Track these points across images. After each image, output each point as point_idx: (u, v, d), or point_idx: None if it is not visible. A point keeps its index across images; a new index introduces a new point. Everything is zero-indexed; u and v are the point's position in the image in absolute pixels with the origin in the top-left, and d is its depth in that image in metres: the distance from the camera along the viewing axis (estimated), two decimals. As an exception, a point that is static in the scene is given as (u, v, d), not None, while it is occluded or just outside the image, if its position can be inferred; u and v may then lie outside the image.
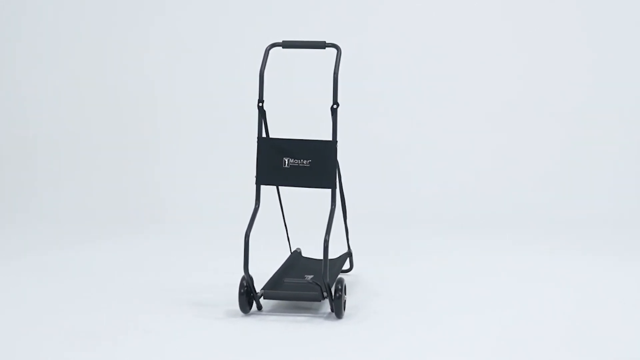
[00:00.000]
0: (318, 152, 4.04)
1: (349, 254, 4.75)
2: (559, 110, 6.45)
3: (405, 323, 3.99)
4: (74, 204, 6.34)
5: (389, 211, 6.21)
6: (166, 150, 6.64)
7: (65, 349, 3.64)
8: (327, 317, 4.06)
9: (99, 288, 4.51)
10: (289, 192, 5.31)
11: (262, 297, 4.11)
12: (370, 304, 4.27)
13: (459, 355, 3.60)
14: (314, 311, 4.16)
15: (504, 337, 3.81)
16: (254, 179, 4.61)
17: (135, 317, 4.04)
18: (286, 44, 4.20)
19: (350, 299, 4.33)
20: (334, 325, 3.95)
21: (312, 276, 4.40)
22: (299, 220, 5.32)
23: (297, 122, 6.24)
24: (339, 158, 4.81)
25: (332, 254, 4.92)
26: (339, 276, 4.11)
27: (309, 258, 4.78)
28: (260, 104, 4.15)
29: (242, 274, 4.56)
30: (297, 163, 4.06)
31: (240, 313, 4.09)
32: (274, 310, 4.16)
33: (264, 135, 4.21)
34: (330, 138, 5.26)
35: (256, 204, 4.14)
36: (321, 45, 4.18)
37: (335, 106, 4.07)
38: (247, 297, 4.07)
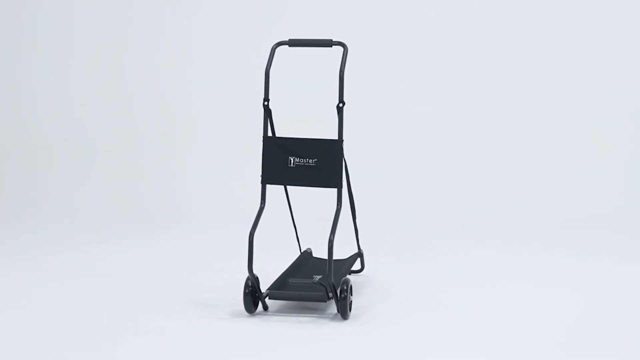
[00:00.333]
0: (324, 151, 4.00)
1: (359, 255, 4.71)
2: (559, 110, 6.41)
3: (411, 325, 3.95)
4: (85, 205, 6.34)
5: (401, 211, 6.17)
6: (176, 150, 6.63)
7: (66, 349, 3.63)
8: (333, 318, 4.03)
9: (104, 288, 4.49)
10: (300, 192, 5.29)
11: (267, 298, 4.07)
12: (378, 305, 4.24)
13: (461, 358, 3.56)
14: (320, 312, 4.12)
15: (510, 339, 3.77)
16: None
17: (138, 317, 4.02)
18: (292, 42, 4.17)
19: (359, 300, 4.29)
20: (339, 326, 3.91)
21: (320, 276, 4.36)
22: (311, 220, 5.29)
23: (304, 121, 6.21)
24: (347, 157, 4.79)
25: (344, 255, 4.88)
26: (345, 277, 4.06)
27: (319, 258, 4.74)
28: (266, 103, 4.11)
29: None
30: (302, 162, 4.02)
31: (246, 313, 4.06)
32: (280, 311, 4.13)
33: (269, 134, 4.17)
34: (337, 137, 5.23)
35: (262, 203, 4.11)
36: (328, 43, 4.15)
37: (341, 105, 4.03)
38: (252, 297, 4.03)
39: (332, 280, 3.92)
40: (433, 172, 6.39)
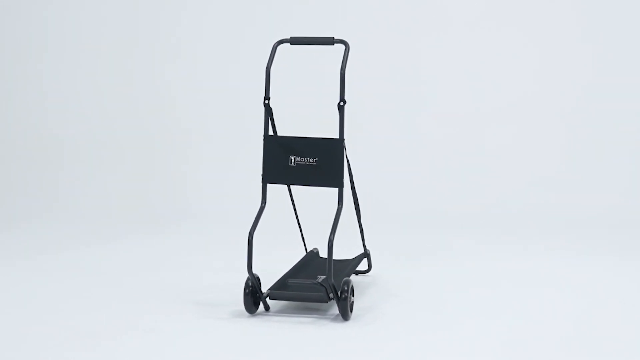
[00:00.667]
0: (325, 150, 3.96)
1: (365, 255, 4.66)
2: (560, 110, 6.36)
3: (412, 326, 3.91)
4: (90, 205, 6.33)
5: (407, 211, 6.14)
6: (180, 150, 6.62)
7: (65, 349, 3.62)
8: (334, 318, 3.99)
9: (106, 287, 4.48)
10: (306, 191, 5.26)
11: (267, 298, 4.04)
12: (383, 305, 4.20)
13: (460, 359, 3.52)
14: (322, 312, 4.08)
15: (511, 340, 3.73)
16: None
17: (139, 317, 4.00)
18: (294, 40, 4.13)
19: (363, 301, 4.25)
20: (339, 327, 3.87)
21: (324, 277, 4.32)
22: (318, 219, 5.25)
23: (308, 120, 6.18)
24: (352, 156, 4.75)
25: (351, 256, 4.84)
26: (346, 277, 4.02)
27: (325, 258, 4.69)
28: (267, 101, 4.08)
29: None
30: (303, 161, 3.99)
31: (246, 313, 4.03)
32: (281, 312, 4.10)
33: (270, 133, 4.13)
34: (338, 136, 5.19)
35: (262, 202, 4.08)
36: (329, 41, 4.11)
37: (342, 103, 3.99)
38: (253, 297, 4.00)
39: (332, 280, 3.88)
40: (436, 171, 6.36)
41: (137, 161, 6.58)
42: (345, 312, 3.93)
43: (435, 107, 6.46)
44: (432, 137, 6.43)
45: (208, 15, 6.63)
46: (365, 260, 4.73)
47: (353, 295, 4.01)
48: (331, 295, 3.94)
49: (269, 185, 4.10)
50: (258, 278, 4.05)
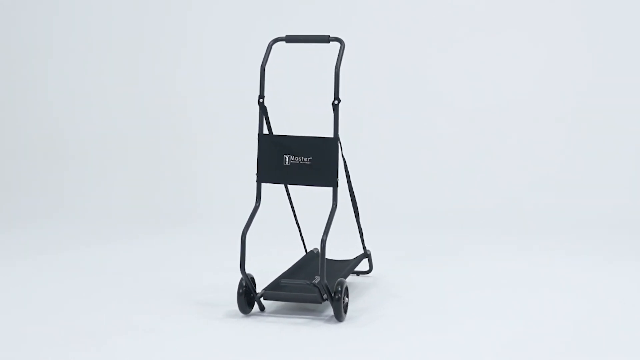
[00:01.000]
0: (319, 149, 3.93)
1: (365, 256, 4.62)
2: (561, 110, 6.31)
3: (410, 327, 3.87)
4: (92, 205, 6.34)
5: (408, 211, 6.10)
6: (186, 150, 6.62)
7: (65, 349, 3.61)
8: (329, 319, 3.95)
9: (106, 287, 4.46)
10: (306, 191, 5.23)
11: (262, 298, 4.01)
12: (380, 306, 4.16)
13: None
14: (317, 313, 4.05)
15: (511, 341, 3.68)
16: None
17: (135, 317, 3.99)
18: (290, 39, 4.10)
19: (360, 302, 4.22)
20: (332, 329, 3.83)
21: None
22: (319, 219, 5.21)
23: (308, 119, 6.15)
24: (352, 156, 4.72)
25: (352, 256, 4.81)
26: (340, 278, 3.98)
27: (326, 259, 4.65)
28: (261, 100, 4.04)
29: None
30: (297, 160, 3.96)
31: (241, 314, 3.99)
32: (276, 312, 4.07)
33: (265, 131, 4.10)
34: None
35: (257, 202, 4.05)
36: (325, 39, 4.07)
37: (336, 102, 3.95)
38: (247, 297, 3.97)
39: (326, 281, 3.84)
40: (436, 172, 6.33)
41: (137, 162, 6.58)
42: (338, 313, 3.89)
43: (435, 107, 6.42)
44: (433, 138, 6.40)
45: (207, 16, 6.63)
46: (366, 260, 4.69)
47: (347, 296, 3.97)
48: (325, 296, 3.90)
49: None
50: (252, 278, 4.02)
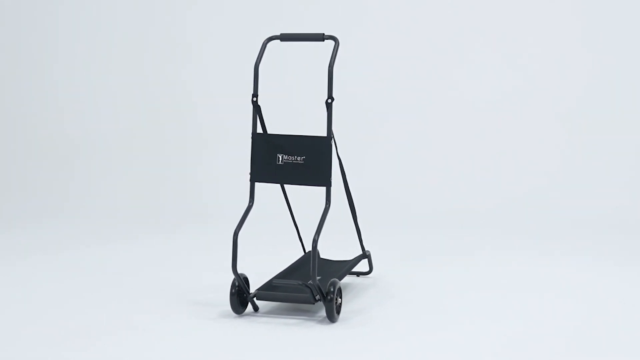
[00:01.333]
0: (312, 148, 3.89)
1: (364, 256, 4.58)
2: (562, 110, 6.28)
3: (405, 328, 3.82)
4: (93, 205, 6.35)
5: (410, 211, 6.07)
6: (186, 151, 6.62)
7: (65, 348, 3.60)
8: (322, 320, 3.92)
9: (108, 287, 4.46)
10: (307, 191, 5.20)
11: (255, 298, 3.98)
12: (376, 308, 4.12)
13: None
14: (311, 314, 4.01)
15: (511, 342, 3.64)
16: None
17: (130, 317, 3.98)
18: (284, 37, 4.07)
19: (358, 302, 4.18)
20: (324, 330, 3.80)
21: (318, 278, 4.25)
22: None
23: (302, 118, 6.13)
24: (352, 155, 4.69)
25: (353, 257, 4.78)
26: (333, 279, 3.94)
27: (323, 259, 4.61)
28: (255, 99, 4.01)
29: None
30: (291, 160, 3.92)
31: (234, 314, 3.97)
32: (270, 312, 4.04)
33: (260, 130, 4.08)
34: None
35: (250, 201, 4.02)
36: (319, 37, 4.04)
37: (330, 100, 3.91)
38: (239, 298, 3.94)
39: (317, 282, 3.80)
40: (436, 172, 6.31)
41: (137, 162, 6.60)
42: (331, 314, 3.85)
43: (435, 107, 6.40)
44: (433, 138, 6.37)
45: (207, 16, 6.63)
46: (366, 261, 4.65)
47: (340, 297, 3.93)
48: (318, 296, 3.86)
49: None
50: (246, 278, 3.99)
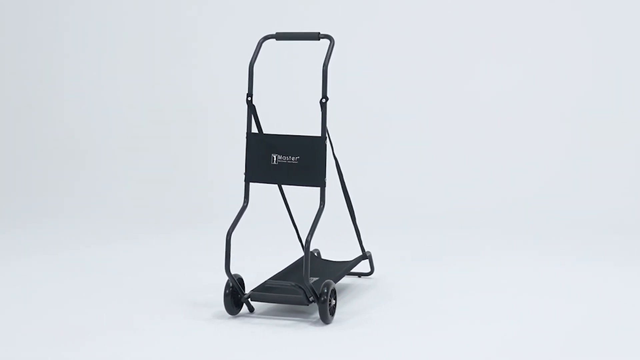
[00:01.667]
0: (307, 148, 3.87)
1: (364, 257, 4.55)
2: (562, 110, 6.25)
3: (402, 329, 3.81)
4: (93, 205, 6.35)
5: (411, 212, 6.04)
6: (186, 151, 6.61)
7: (64, 348, 3.60)
8: (315, 322, 3.89)
9: (108, 287, 4.46)
10: (306, 191, 5.19)
11: (249, 299, 3.96)
12: (374, 309, 4.10)
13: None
14: (305, 315, 4.00)
15: (512, 342, 3.63)
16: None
17: (125, 317, 3.98)
18: (280, 36, 4.05)
19: (357, 303, 4.16)
20: (317, 331, 3.78)
21: (316, 279, 4.23)
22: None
23: (299, 118, 6.11)
24: (352, 155, 4.67)
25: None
26: (327, 280, 3.92)
27: (324, 260, 4.60)
28: (249, 98, 3.99)
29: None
30: (285, 160, 3.90)
31: (228, 315, 3.95)
32: (265, 313, 4.02)
33: (255, 130, 4.06)
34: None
35: (244, 202, 4.00)
36: (315, 36, 4.02)
37: (324, 100, 3.88)
38: (233, 298, 3.93)
39: (309, 283, 3.78)
40: (437, 173, 6.29)
41: (137, 162, 6.60)
42: (324, 315, 3.83)
43: (435, 107, 6.38)
44: (434, 138, 6.36)
45: (205, 15, 6.63)
46: (366, 262, 4.62)
47: (335, 298, 3.91)
48: (311, 298, 3.84)
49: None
50: (240, 279, 3.98)
